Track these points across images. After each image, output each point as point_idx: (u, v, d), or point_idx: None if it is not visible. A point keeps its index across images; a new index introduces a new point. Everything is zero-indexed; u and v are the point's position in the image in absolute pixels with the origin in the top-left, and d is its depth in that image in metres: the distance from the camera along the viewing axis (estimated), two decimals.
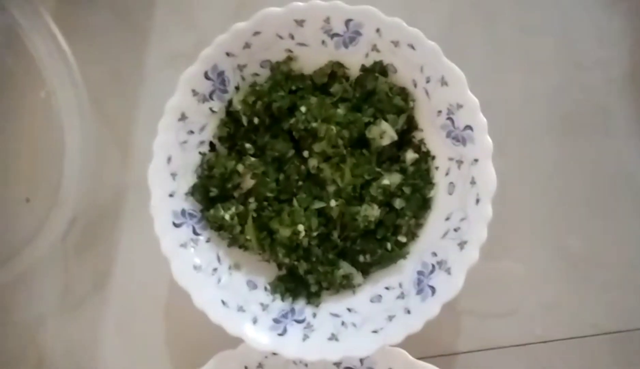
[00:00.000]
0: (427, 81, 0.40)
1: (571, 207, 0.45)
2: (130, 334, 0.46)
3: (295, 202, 0.40)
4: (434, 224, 0.41)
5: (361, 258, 0.41)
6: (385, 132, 0.40)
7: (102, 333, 0.46)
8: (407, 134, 0.42)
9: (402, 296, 0.39)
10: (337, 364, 0.41)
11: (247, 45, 0.40)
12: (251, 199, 0.41)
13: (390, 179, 0.40)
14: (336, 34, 0.40)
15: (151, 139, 0.39)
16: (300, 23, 0.39)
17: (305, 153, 0.41)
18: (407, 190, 0.41)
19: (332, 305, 0.41)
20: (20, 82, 0.45)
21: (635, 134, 0.45)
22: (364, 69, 0.41)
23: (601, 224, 0.45)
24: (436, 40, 0.38)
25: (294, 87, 0.42)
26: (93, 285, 0.46)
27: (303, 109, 0.40)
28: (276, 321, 0.40)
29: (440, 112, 0.40)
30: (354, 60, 0.41)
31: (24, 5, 0.42)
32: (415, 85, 0.41)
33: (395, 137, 0.41)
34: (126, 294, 0.46)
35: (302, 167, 0.41)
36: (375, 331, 0.38)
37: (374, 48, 0.40)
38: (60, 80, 0.42)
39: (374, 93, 0.41)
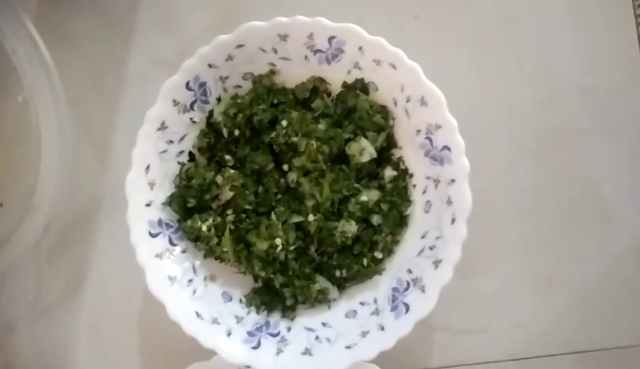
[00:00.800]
0: (407, 100, 0.40)
1: (543, 228, 0.46)
2: (102, 342, 0.46)
3: (273, 216, 0.41)
4: (410, 241, 0.41)
5: (337, 273, 0.41)
6: (364, 149, 0.41)
7: (73, 341, 0.46)
8: (386, 152, 0.42)
9: (376, 312, 0.40)
10: None
11: (229, 58, 0.40)
12: (229, 211, 0.41)
13: (369, 196, 0.41)
14: (319, 50, 0.40)
15: (130, 146, 0.40)
16: (283, 38, 0.40)
17: (285, 167, 0.41)
18: (384, 207, 0.41)
19: (307, 319, 0.41)
20: None
21: (608, 158, 0.46)
22: (345, 85, 0.42)
23: (572, 245, 0.46)
24: (418, 60, 0.39)
25: (275, 101, 0.42)
26: (66, 292, 0.46)
27: (284, 123, 0.41)
28: (250, 334, 0.40)
29: (419, 131, 0.40)
30: (336, 76, 0.42)
31: (3, 8, 0.42)
32: (395, 104, 0.41)
33: (375, 155, 0.41)
34: (99, 302, 0.46)
35: (282, 180, 0.42)
36: (348, 347, 0.39)
37: (356, 65, 0.41)
38: (39, 85, 0.41)
39: (355, 110, 0.41)
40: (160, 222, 0.41)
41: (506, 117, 0.46)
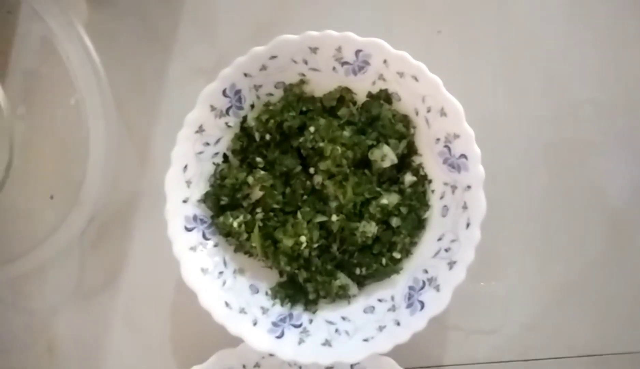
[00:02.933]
0: (428, 111, 0.42)
1: (555, 234, 0.47)
2: (136, 328, 0.48)
3: (299, 215, 0.43)
4: (427, 243, 0.43)
5: (357, 271, 0.43)
6: (386, 155, 0.43)
7: (110, 326, 0.48)
8: (407, 158, 0.44)
9: (393, 308, 0.42)
10: (329, 368, 0.43)
11: (263, 68, 0.42)
12: (258, 209, 0.43)
13: (389, 199, 0.43)
14: (346, 62, 0.42)
15: (169, 147, 0.42)
16: (314, 50, 0.42)
17: (311, 170, 0.43)
18: (404, 210, 0.43)
19: (328, 313, 0.43)
20: (53, 88, 0.48)
21: (618, 169, 0.48)
22: (370, 95, 0.44)
23: (583, 252, 0.47)
24: (439, 73, 0.41)
25: (304, 109, 0.44)
26: (105, 280, 0.48)
27: (312, 129, 0.43)
28: (275, 324, 0.42)
29: (438, 140, 0.42)
30: (362, 87, 0.44)
31: (59, 17, 0.45)
32: (416, 114, 0.43)
33: (396, 161, 0.43)
34: (135, 291, 0.48)
35: (308, 182, 0.43)
36: (366, 340, 0.41)
37: (381, 77, 0.43)
38: (90, 89, 0.44)
39: (379, 118, 0.43)
40: (195, 217, 0.43)
41: (521, 128, 0.48)
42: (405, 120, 0.44)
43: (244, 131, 0.44)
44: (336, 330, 0.42)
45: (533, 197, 0.48)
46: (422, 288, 0.41)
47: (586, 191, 0.48)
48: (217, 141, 0.44)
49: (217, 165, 0.44)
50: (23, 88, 0.48)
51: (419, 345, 0.44)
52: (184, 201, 0.43)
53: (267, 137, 0.44)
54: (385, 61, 0.42)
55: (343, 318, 0.43)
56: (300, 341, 0.41)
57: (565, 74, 0.49)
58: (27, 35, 0.47)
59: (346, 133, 0.43)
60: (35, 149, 0.49)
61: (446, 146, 0.42)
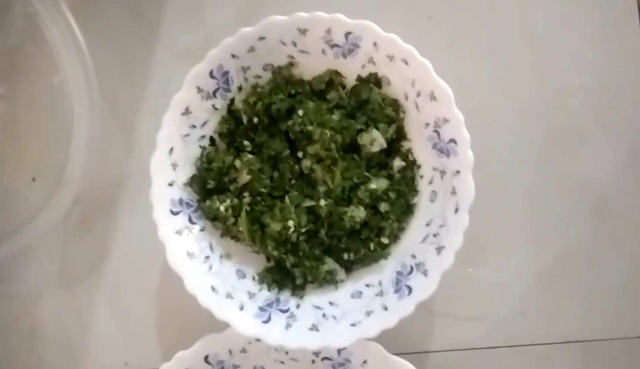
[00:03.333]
0: (418, 95, 0.42)
1: (544, 221, 0.47)
2: (121, 312, 0.48)
3: (287, 199, 0.42)
4: (415, 228, 0.43)
5: (345, 256, 0.43)
6: (375, 140, 0.42)
7: (94, 310, 0.48)
8: (396, 143, 0.44)
9: (380, 293, 0.42)
10: (316, 353, 0.43)
11: (251, 49, 0.42)
12: (246, 194, 0.43)
13: (378, 184, 0.42)
14: (336, 45, 0.42)
15: (155, 130, 0.41)
16: (303, 32, 0.42)
17: (300, 154, 0.43)
18: (392, 195, 0.43)
19: (315, 298, 0.43)
20: (36, 68, 0.47)
21: (609, 158, 0.48)
22: (359, 79, 0.44)
23: (571, 238, 0.47)
24: (429, 57, 0.40)
25: (293, 91, 0.43)
26: (90, 264, 0.48)
27: (300, 112, 0.42)
28: (261, 309, 0.42)
29: (428, 124, 0.42)
30: (351, 70, 0.43)
31: None
32: (406, 98, 0.43)
33: (385, 145, 0.43)
34: (120, 274, 0.48)
35: (296, 166, 0.43)
36: (353, 325, 0.41)
37: (371, 60, 0.42)
38: (73, 69, 0.44)
39: (368, 102, 0.43)
40: (181, 201, 0.43)
41: (512, 114, 0.48)
42: (395, 104, 0.43)
43: (232, 113, 0.44)
44: (323, 315, 0.42)
45: (522, 183, 0.48)
46: (410, 273, 0.41)
47: (574, 178, 0.48)
48: (204, 124, 0.43)
49: (204, 148, 0.44)
50: (5, 67, 0.47)
51: (407, 331, 0.45)
52: (170, 184, 0.42)
53: (255, 120, 0.43)
54: (375, 44, 0.41)
55: (330, 303, 0.43)
56: (287, 326, 0.41)
57: (556, 61, 0.49)
58: (9, 13, 0.46)
59: (335, 117, 0.42)
60: (16, 130, 0.48)
61: (435, 131, 0.42)
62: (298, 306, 0.43)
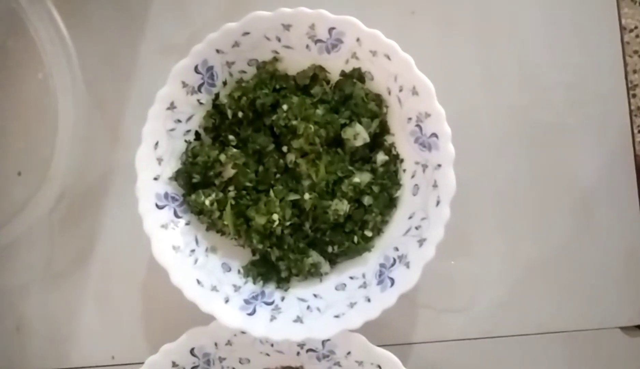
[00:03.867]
0: (400, 90, 0.42)
1: (524, 214, 0.48)
2: (107, 306, 0.48)
3: (271, 193, 0.43)
4: (398, 221, 0.43)
5: (329, 249, 0.43)
6: (359, 134, 0.43)
7: (80, 304, 0.48)
8: (379, 137, 0.44)
9: (364, 285, 0.42)
10: (301, 345, 0.44)
11: (236, 44, 0.42)
12: (231, 188, 0.43)
13: (361, 178, 0.43)
14: (320, 40, 0.42)
15: (140, 124, 0.41)
16: (287, 27, 0.42)
17: (284, 148, 0.43)
18: (375, 189, 0.43)
19: (300, 290, 0.43)
20: (20, 63, 0.47)
21: (588, 152, 0.49)
22: (343, 74, 0.44)
23: (550, 232, 0.48)
24: (411, 52, 0.41)
25: (277, 86, 0.44)
26: (75, 258, 0.48)
27: (285, 107, 0.43)
28: (247, 302, 0.42)
29: (410, 119, 0.43)
30: (335, 65, 0.44)
31: None
32: (389, 93, 0.43)
33: (368, 140, 0.43)
34: (106, 268, 0.48)
35: (281, 161, 0.43)
36: (337, 316, 0.41)
37: (354, 56, 0.43)
38: (58, 64, 0.44)
39: (351, 97, 0.43)
40: (166, 195, 0.43)
41: (493, 109, 0.49)
42: (378, 99, 0.44)
43: (217, 108, 0.44)
44: (308, 307, 0.42)
45: (503, 177, 0.48)
46: (393, 265, 0.42)
47: (555, 172, 0.49)
48: (189, 118, 0.44)
49: (189, 142, 0.44)
50: None
51: (390, 323, 0.46)
52: (155, 179, 0.43)
53: (240, 114, 0.44)
54: (358, 39, 0.42)
55: (315, 295, 0.43)
56: (272, 318, 0.42)
57: (538, 57, 0.49)
58: None
59: (319, 111, 0.43)
60: (1, 125, 0.48)
61: (417, 125, 0.42)
62: (283, 299, 0.43)
